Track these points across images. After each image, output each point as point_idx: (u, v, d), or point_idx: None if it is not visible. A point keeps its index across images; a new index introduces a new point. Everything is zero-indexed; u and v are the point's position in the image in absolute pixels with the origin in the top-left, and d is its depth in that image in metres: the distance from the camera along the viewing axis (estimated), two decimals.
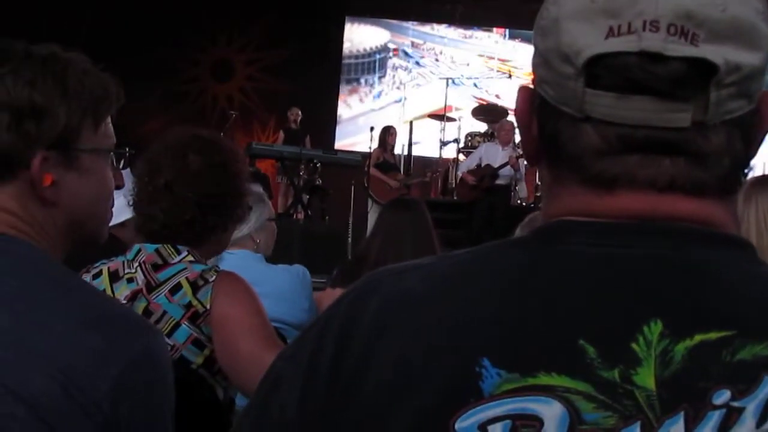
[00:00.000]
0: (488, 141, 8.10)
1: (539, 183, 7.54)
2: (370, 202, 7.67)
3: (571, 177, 0.58)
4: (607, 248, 0.56)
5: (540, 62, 0.59)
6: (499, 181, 7.36)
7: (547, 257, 0.57)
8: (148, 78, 9.40)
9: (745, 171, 0.59)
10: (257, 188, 2.37)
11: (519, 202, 7.95)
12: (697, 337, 0.51)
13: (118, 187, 1.03)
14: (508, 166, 7.29)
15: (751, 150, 0.58)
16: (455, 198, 7.95)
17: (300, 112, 8.81)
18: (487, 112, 8.83)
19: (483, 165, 7.41)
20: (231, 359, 1.42)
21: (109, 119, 0.99)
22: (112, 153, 0.99)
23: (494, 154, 7.46)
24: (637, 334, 0.52)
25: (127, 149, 1.04)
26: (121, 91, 0.99)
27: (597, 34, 0.55)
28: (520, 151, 7.56)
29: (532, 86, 0.62)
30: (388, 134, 8.03)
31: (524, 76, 10.98)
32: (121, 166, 1.05)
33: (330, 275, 2.66)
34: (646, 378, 0.51)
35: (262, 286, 2.14)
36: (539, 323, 0.53)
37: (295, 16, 10.01)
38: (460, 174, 7.62)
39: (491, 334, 0.54)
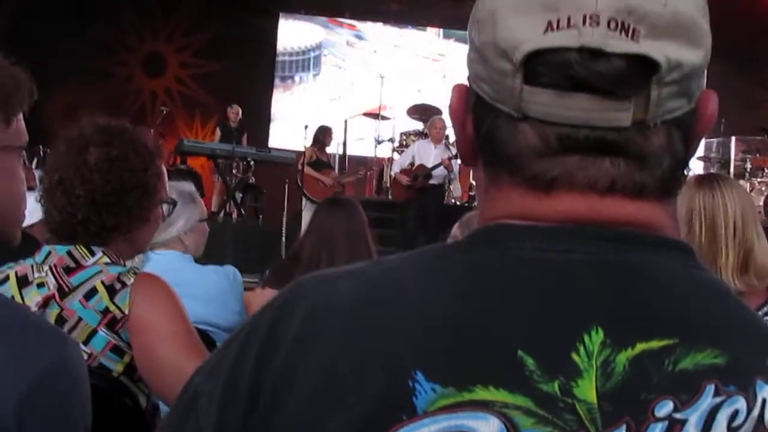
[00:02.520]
0: (421, 139, 8.14)
1: (473, 182, 7.94)
2: (304, 200, 7.61)
3: (509, 178, 0.57)
4: (547, 253, 0.54)
5: (476, 58, 0.58)
6: (432, 181, 7.42)
7: (484, 263, 0.55)
8: (81, 75, 9.23)
9: (684, 172, 0.58)
10: (188, 187, 2.29)
11: (453, 201, 8.03)
12: (639, 346, 0.50)
13: (30, 188, 0.97)
14: (442, 167, 7.39)
15: (690, 150, 0.57)
16: (390, 197, 8.01)
17: (240, 111, 8.71)
18: (421, 111, 8.83)
19: (416, 164, 7.46)
20: (150, 367, 1.36)
21: (21, 116, 0.94)
22: (24, 151, 0.95)
23: (427, 152, 7.51)
24: (578, 344, 0.50)
25: (41, 147, 0.98)
26: (34, 86, 0.94)
27: (535, 28, 0.53)
28: (454, 151, 7.61)
29: (467, 83, 0.61)
30: (325, 134, 7.98)
31: (458, 75, 11.10)
32: (34, 165, 0.99)
33: (263, 275, 2.63)
34: (587, 390, 0.49)
35: (191, 287, 2.07)
36: (476, 333, 0.51)
37: (228, 10, 9.87)
38: (393, 173, 7.61)
39: (426, 344, 0.51)
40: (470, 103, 0.59)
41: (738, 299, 0.55)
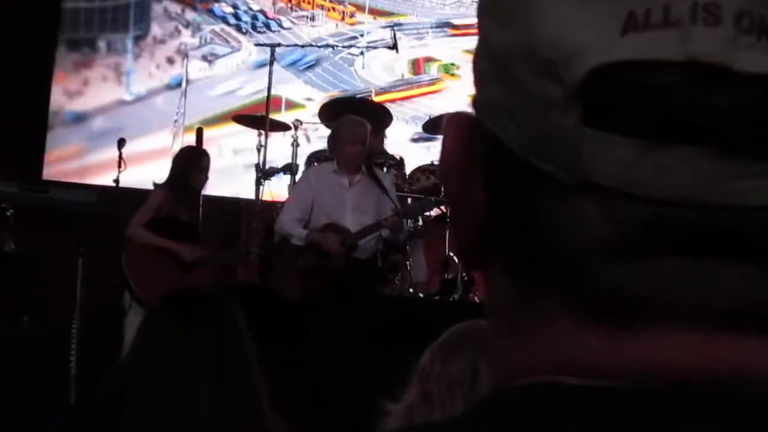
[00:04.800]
0: (322, 163, 8.11)
1: (452, 255, 7.95)
2: (127, 295, 7.53)
3: (556, 297, 0.61)
4: None
5: (492, 70, 0.62)
6: (358, 254, 7.29)
7: None
8: None
9: None
10: None
11: (411, 290, 8.06)
12: None
13: None
14: (383, 230, 7.28)
15: None
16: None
17: None
18: (349, 111, 8.32)
19: (315, 218, 7.31)
20: None
21: None
22: None
23: (334, 192, 7.36)
24: None
25: None
26: None
27: (605, 24, 0.56)
28: (391, 189, 7.46)
29: (473, 113, 0.65)
30: (192, 164, 7.80)
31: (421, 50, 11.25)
32: None
33: None
34: None
35: None
36: None
37: None
38: (281, 237, 7.49)
39: None
40: (479, 152, 0.63)
41: None
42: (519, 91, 0.59)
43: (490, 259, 0.64)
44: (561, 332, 0.60)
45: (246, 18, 11.24)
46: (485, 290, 0.68)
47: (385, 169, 8.08)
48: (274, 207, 8.56)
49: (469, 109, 0.65)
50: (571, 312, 0.60)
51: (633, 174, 0.56)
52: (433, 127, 9.21)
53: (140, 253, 7.55)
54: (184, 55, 11.09)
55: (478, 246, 0.65)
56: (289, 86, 10.73)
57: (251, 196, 9.12)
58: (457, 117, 0.65)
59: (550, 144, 0.58)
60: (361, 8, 11.48)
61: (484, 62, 0.62)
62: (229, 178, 9.81)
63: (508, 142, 0.60)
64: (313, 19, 11.41)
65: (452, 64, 11.37)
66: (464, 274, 8.05)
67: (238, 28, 11.20)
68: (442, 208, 8.15)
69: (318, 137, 9.51)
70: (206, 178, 7.90)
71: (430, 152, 9.77)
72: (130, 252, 7.53)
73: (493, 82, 0.61)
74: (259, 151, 9.02)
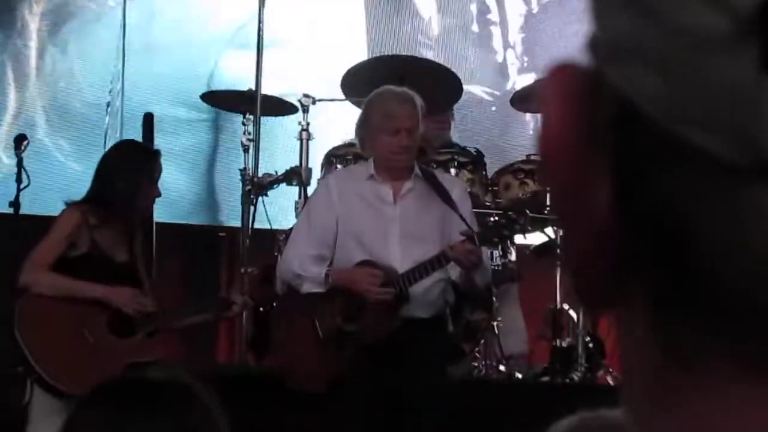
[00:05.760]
0: (345, 164, 8.29)
1: (569, 307, 7.55)
2: (29, 385, 7.26)
3: (729, 347, 0.65)
4: None
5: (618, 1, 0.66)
6: (413, 311, 6.93)
7: None
8: None
9: None
10: None
11: (502, 367, 8.29)
12: None
13: None
14: (449, 270, 7.00)
15: None
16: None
17: None
18: (389, 79, 8.13)
19: (351, 256, 7.08)
20: None
21: None
22: None
23: (372, 211, 7.11)
24: None
25: None
26: None
27: None
28: (463, 202, 7.22)
29: (588, 64, 0.69)
30: (144, 171, 7.63)
31: None
32: None
33: None
34: None
35: None
36: None
37: None
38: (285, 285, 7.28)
39: None
40: (602, 121, 0.68)
41: None
42: (662, 25, 0.62)
43: (625, 293, 0.68)
44: (745, 401, 0.64)
45: None
46: (622, 332, 0.71)
47: (453, 171, 8.22)
48: (273, 239, 8.56)
49: (582, 58, 0.68)
50: (759, 369, 0.64)
51: None
52: (524, 100, 9.24)
53: (44, 309, 7.36)
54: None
55: (603, 270, 0.68)
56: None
57: (236, 222, 9.27)
58: (565, 70, 0.67)
59: (710, 104, 0.61)
60: None
61: None
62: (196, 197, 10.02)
63: (646, 104, 0.63)
64: None
65: None
66: (588, 338, 8.16)
67: None
68: (548, 230, 8.15)
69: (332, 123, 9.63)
70: (157, 194, 7.76)
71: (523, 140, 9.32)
72: (28, 309, 7.37)
73: (622, 12, 0.64)
74: (246, 149, 9.02)
